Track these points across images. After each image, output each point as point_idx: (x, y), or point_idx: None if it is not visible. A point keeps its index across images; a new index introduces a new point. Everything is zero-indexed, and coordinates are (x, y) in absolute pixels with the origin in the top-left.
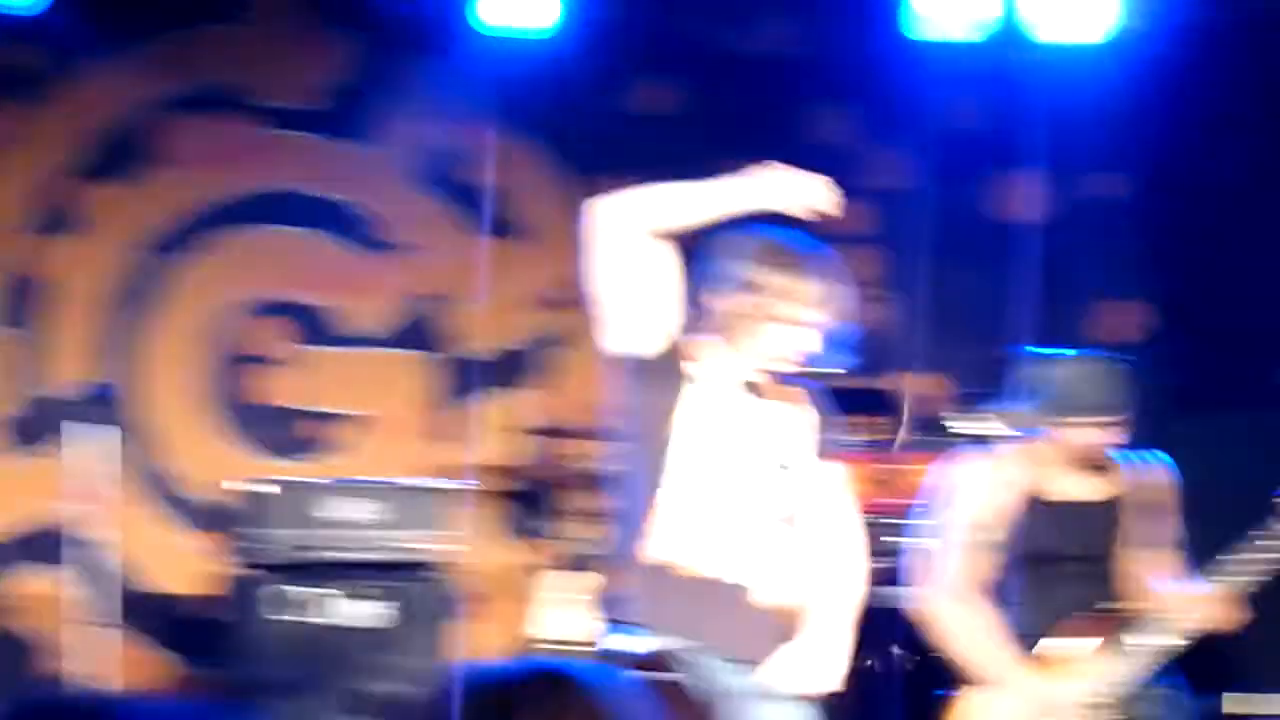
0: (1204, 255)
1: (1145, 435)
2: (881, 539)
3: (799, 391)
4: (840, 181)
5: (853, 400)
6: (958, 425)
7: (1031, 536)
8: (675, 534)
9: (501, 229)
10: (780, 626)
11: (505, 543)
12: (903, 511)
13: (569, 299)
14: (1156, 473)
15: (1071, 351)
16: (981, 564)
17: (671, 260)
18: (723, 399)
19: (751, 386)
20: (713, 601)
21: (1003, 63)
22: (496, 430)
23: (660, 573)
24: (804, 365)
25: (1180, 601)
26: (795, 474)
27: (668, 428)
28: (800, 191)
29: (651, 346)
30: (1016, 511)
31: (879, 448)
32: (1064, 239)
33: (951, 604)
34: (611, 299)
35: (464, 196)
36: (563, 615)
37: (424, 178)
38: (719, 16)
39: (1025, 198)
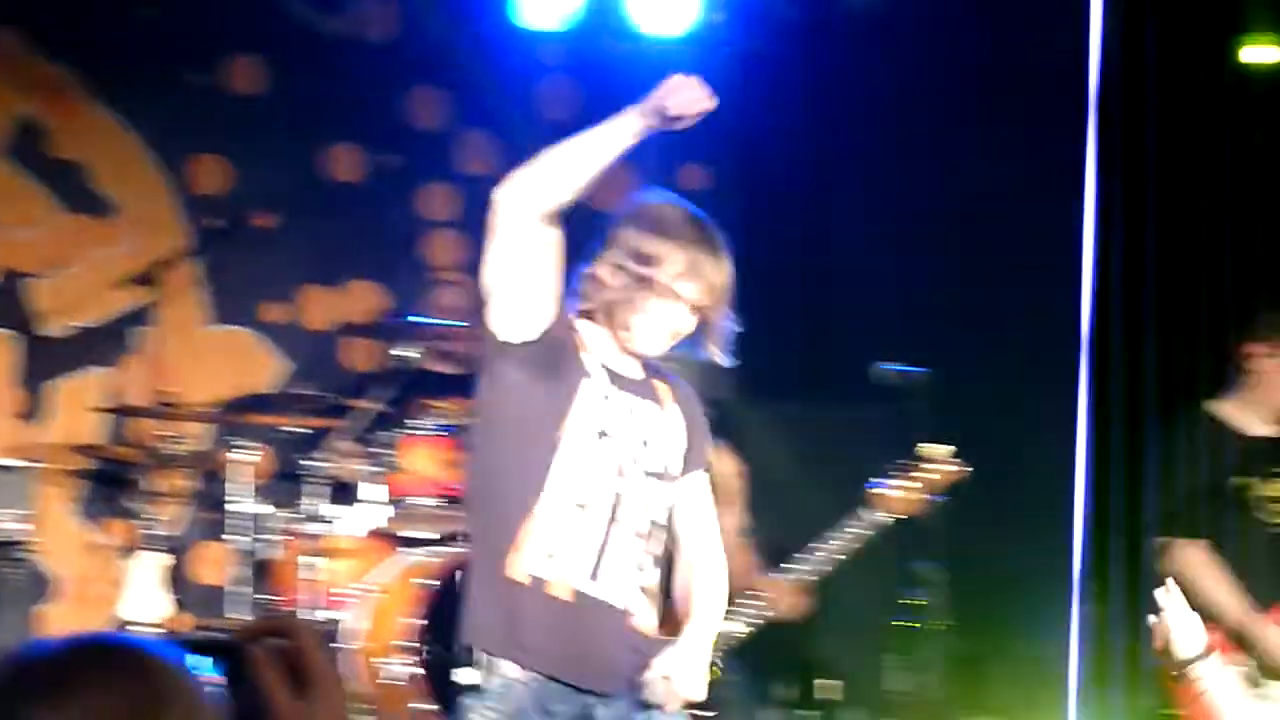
0: (790, 247)
1: (728, 426)
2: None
3: (674, 391)
4: (431, 166)
5: (435, 383)
6: None
7: None
8: (552, 548)
9: (86, 205)
10: (651, 652)
11: (90, 523)
12: None
13: (153, 275)
14: (722, 461)
15: None
16: None
17: (558, 240)
18: (605, 398)
19: (630, 383)
20: (587, 625)
21: (597, 52)
22: (79, 409)
23: (528, 592)
24: (680, 350)
25: (752, 588)
26: (668, 482)
27: (560, 428)
28: (677, 95)
29: (539, 330)
30: None
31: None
32: None
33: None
34: (504, 284)
35: (46, 171)
36: (147, 596)
37: (5, 152)
38: None
39: (616, 187)
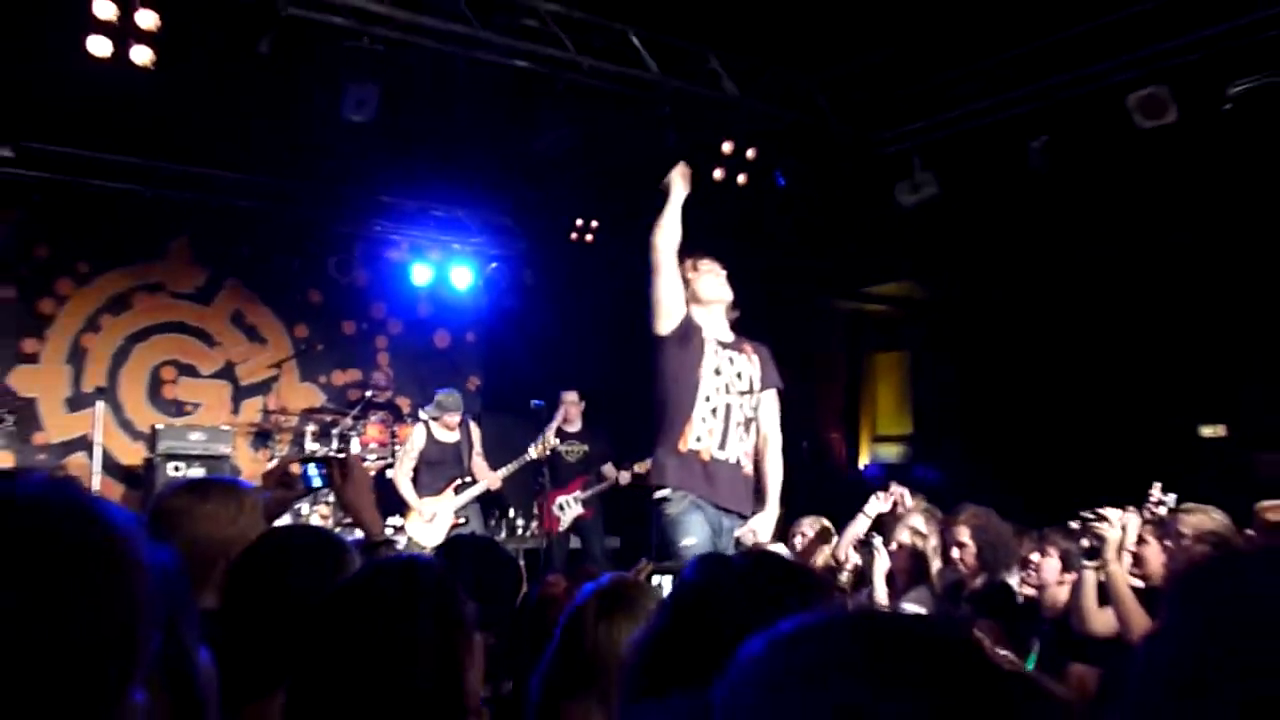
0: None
1: None
2: None
3: (752, 345)
4: None
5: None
6: None
7: None
8: (699, 433)
9: None
10: (753, 490)
11: None
12: None
13: None
14: None
15: None
16: None
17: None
18: (715, 351)
19: (724, 344)
20: (719, 473)
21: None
22: None
23: (690, 457)
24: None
25: None
26: (753, 395)
27: (697, 373)
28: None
29: (678, 322)
30: None
31: None
32: None
33: None
34: (668, 300)
35: None
36: None
37: None
38: None
39: None
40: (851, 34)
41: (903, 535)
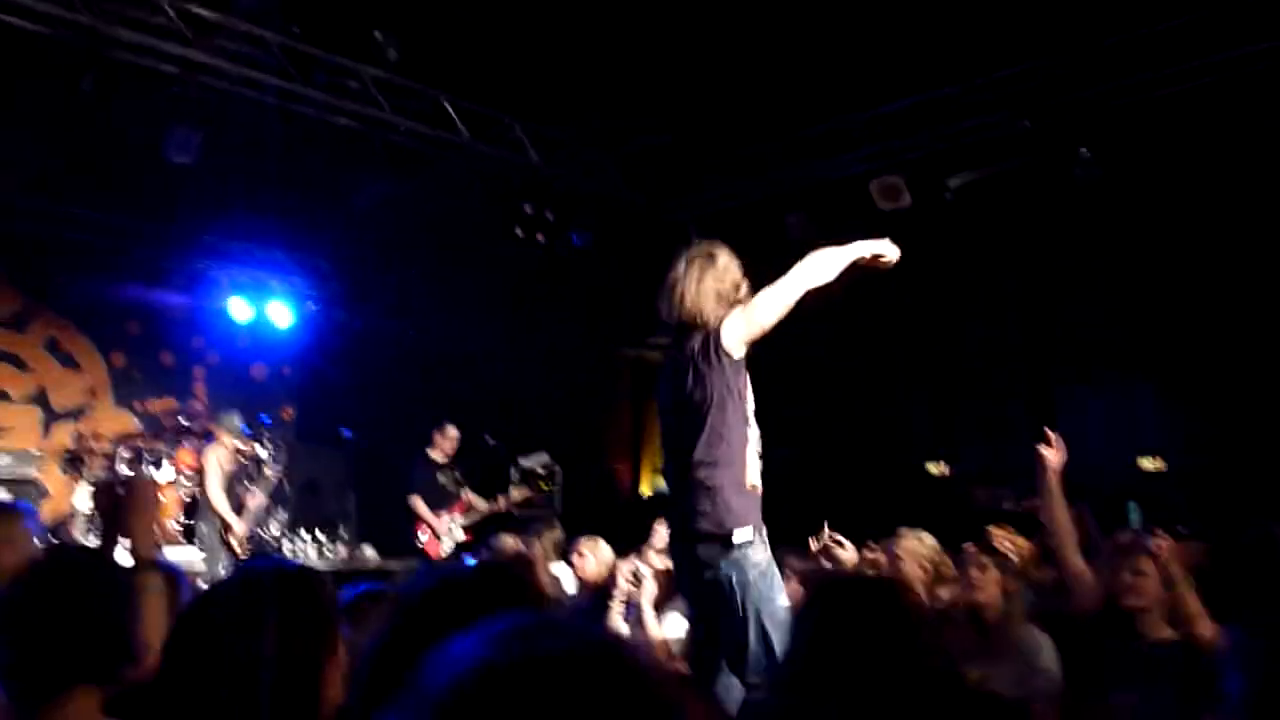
0: None
1: None
2: None
3: None
4: None
5: None
6: None
7: None
8: (753, 467)
9: None
10: None
11: None
12: None
13: None
14: None
15: None
16: None
17: None
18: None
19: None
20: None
21: None
22: None
23: (754, 493)
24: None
25: None
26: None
27: (748, 401)
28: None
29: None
30: None
31: None
32: None
33: None
34: (771, 324)
35: None
36: None
37: None
38: None
39: None
40: (642, 116)
41: (655, 560)
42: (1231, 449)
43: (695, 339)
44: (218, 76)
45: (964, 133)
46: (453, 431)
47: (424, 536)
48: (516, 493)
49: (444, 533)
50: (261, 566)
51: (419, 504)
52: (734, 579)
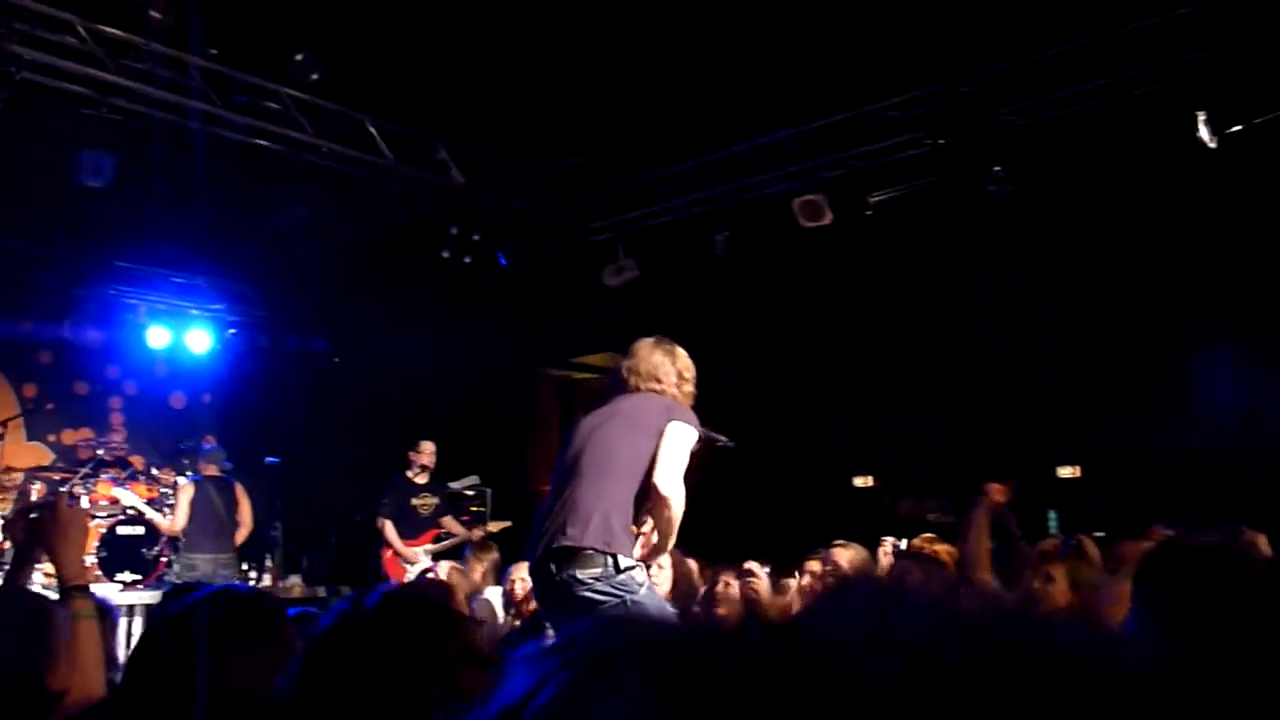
0: None
1: None
2: None
3: None
4: None
5: None
6: None
7: None
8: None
9: None
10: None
11: None
12: None
13: None
14: None
15: None
16: None
17: None
18: None
19: None
20: None
21: None
22: None
23: (632, 539)
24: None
25: None
26: None
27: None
28: None
29: None
30: None
31: None
32: None
33: None
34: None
35: None
36: None
37: None
38: None
39: None
40: (566, 135)
41: None
42: (1139, 457)
43: (646, 394)
44: (132, 99)
45: (882, 151)
46: (428, 446)
47: (386, 553)
48: (494, 525)
49: (413, 561)
50: (214, 591)
51: (389, 529)
52: (620, 595)
